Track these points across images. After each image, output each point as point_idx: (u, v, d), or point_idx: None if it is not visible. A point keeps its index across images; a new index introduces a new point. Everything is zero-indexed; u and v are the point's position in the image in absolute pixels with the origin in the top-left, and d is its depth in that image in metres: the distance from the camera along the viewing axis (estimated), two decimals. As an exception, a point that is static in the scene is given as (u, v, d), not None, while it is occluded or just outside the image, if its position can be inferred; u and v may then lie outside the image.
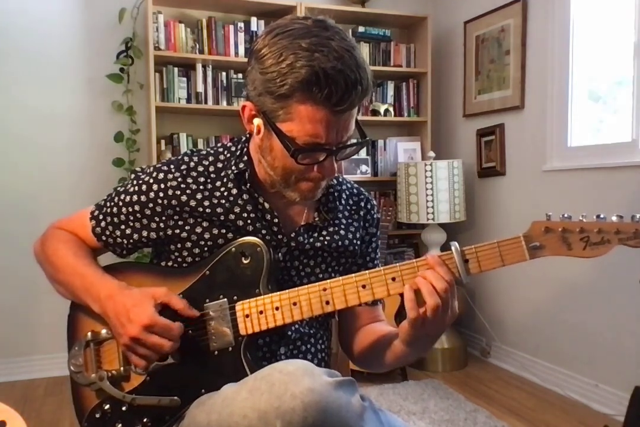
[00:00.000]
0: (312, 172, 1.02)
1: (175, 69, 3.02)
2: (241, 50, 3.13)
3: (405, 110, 3.52)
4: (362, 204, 1.24)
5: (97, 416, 1.08)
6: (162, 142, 3.05)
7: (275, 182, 1.07)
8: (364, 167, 3.46)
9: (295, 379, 0.82)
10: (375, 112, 3.43)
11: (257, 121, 1.02)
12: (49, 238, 1.19)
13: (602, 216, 0.91)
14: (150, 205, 1.10)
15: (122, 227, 1.13)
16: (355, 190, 1.25)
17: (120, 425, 1.06)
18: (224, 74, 3.12)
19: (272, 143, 1.01)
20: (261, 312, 1.01)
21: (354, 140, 1.03)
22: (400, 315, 3.02)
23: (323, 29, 0.95)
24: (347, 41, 0.95)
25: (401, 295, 0.98)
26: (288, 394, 0.81)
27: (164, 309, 1.03)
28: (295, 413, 0.79)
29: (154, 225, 1.11)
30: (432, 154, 3.21)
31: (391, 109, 3.46)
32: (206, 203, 1.09)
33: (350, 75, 0.92)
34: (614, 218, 0.90)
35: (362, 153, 3.47)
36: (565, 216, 0.92)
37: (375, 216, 1.26)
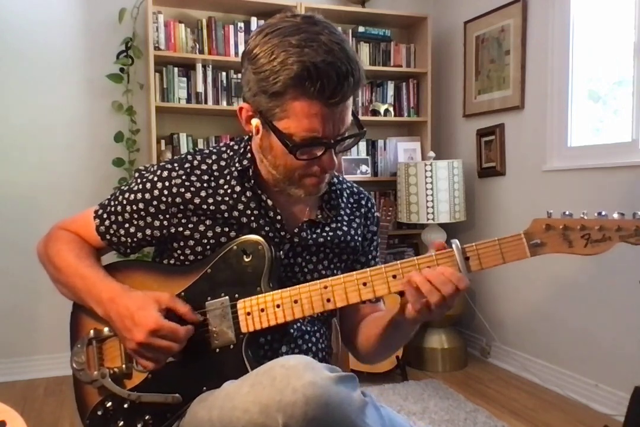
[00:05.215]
0: (313, 167, 1.03)
1: (175, 69, 3.02)
2: (241, 50, 3.12)
3: (405, 110, 3.52)
4: (363, 202, 1.26)
5: (99, 413, 1.09)
6: (162, 142, 3.05)
7: (278, 181, 1.08)
8: (364, 167, 3.46)
9: (297, 373, 0.82)
10: (375, 112, 3.43)
11: (255, 121, 1.03)
12: (51, 239, 1.19)
13: (603, 213, 0.91)
14: (154, 203, 1.10)
15: (127, 225, 1.13)
16: (355, 189, 1.27)
17: (122, 422, 1.06)
18: (224, 74, 3.12)
19: (271, 142, 1.02)
20: (262, 310, 1.02)
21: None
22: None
23: (312, 24, 0.97)
24: (336, 35, 0.97)
25: (401, 293, 0.98)
26: (290, 388, 0.81)
27: (168, 313, 1.03)
28: (297, 407, 0.80)
29: (157, 223, 1.11)
30: (432, 154, 3.21)
31: (391, 109, 3.46)
32: (210, 200, 1.09)
33: (342, 67, 0.93)
34: (615, 215, 0.89)
35: (362, 153, 3.47)
36: (567, 213, 0.92)
37: (375, 214, 1.27)
